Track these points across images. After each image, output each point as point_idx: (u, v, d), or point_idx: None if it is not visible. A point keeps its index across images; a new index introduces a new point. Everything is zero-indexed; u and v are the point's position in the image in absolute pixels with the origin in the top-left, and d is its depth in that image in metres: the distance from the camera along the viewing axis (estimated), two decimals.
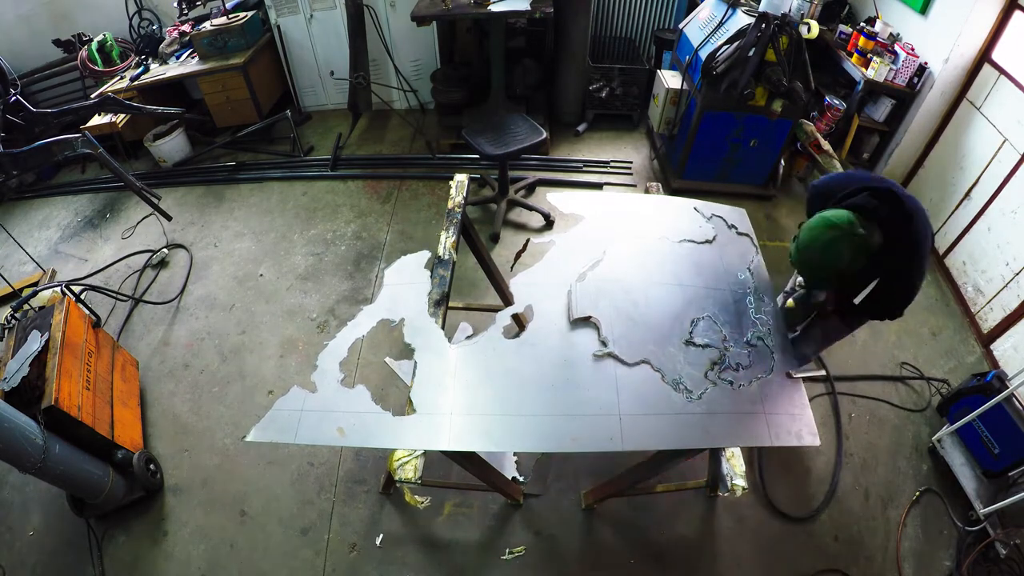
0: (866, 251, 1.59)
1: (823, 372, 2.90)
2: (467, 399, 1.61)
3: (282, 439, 1.55)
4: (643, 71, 4.47)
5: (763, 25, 3.09)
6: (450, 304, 1.99)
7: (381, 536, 2.36)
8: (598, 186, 4.08)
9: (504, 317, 1.85)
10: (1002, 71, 3.07)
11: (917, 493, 2.50)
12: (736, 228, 2.19)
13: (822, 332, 2.25)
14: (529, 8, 3.60)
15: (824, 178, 1.99)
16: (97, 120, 4.19)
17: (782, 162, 3.83)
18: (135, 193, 3.54)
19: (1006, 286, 2.95)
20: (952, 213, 3.42)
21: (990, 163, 3.14)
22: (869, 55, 3.56)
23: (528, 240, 2.46)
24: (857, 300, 1.92)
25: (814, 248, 1.59)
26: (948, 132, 3.51)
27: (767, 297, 1.96)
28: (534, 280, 1.92)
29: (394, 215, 3.89)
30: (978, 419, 2.40)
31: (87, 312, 2.66)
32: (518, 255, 2.44)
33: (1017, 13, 2.98)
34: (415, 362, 1.68)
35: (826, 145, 3.75)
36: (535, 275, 1.94)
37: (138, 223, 3.95)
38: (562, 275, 1.92)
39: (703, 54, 3.44)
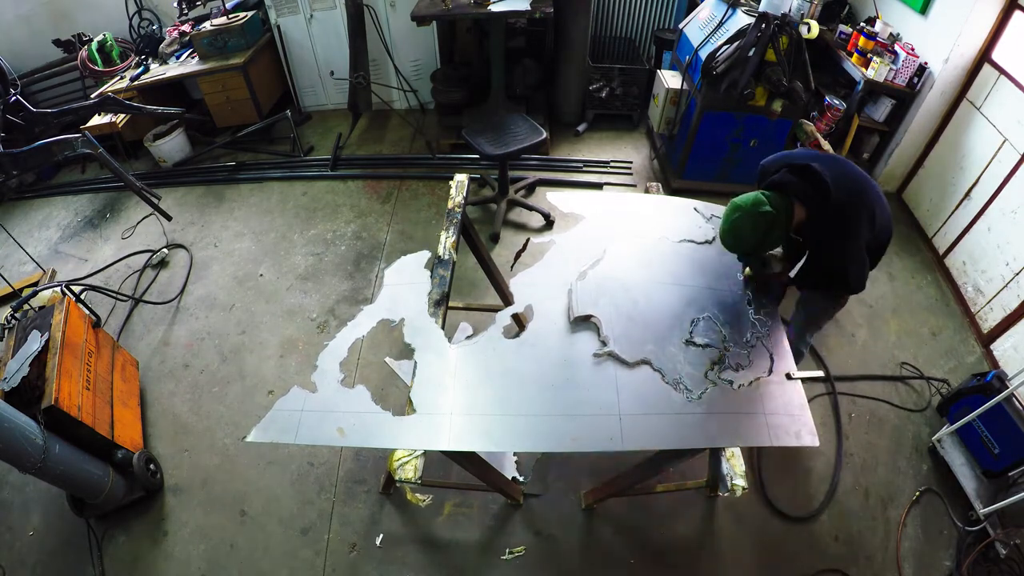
0: (779, 226, 1.76)
1: (822, 372, 2.90)
2: (467, 399, 1.61)
3: (282, 439, 1.55)
4: (643, 71, 4.47)
5: (763, 25, 3.09)
6: (450, 304, 1.99)
7: (381, 536, 2.36)
8: (598, 186, 4.08)
9: (504, 317, 1.85)
10: (1002, 71, 3.07)
11: (917, 493, 2.50)
12: None
13: (805, 318, 2.28)
14: (529, 8, 3.60)
15: (769, 157, 2.07)
16: (97, 120, 4.19)
17: None
18: (135, 193, 3.54)
19: (1006, 286, 2.95)
20: (952, 213, 3.42)
21: (990, 163, 3.14)
22: (869, 55, 3.56)
23: (528, 240, 2.46)
24: (792, 273, 2.07)
25: (724, 229, 1.81)
26: (948, 132, 3.51)
27: (766, 298, 1.96)
28: (534, 280, 1.92)
29: (394, 215, 3.89)
30: (978, 419, 2.40)
31: (87, 312, 2.66)
32: (518, 255, 2.44)
33: (1017, 13, 2.98)
34: (415, 362, 1.68)
35: (826, 145, 3.74)
36: (535, 275, 1.94)
37: (138, 223, 3.95)
38: (562, 275, 1.92)
39: (703, 54, 3.43)
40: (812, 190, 1.77)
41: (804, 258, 2.02)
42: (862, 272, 1.91)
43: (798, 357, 2.42)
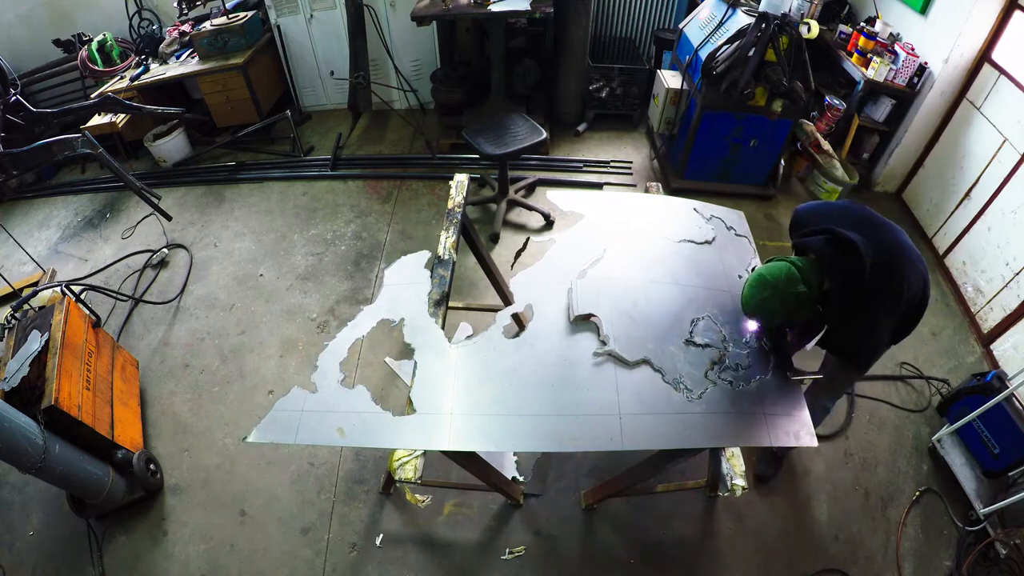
0: (810, 304, 1.63)
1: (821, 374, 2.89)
2: (467, 399, 1.61)
3: (282, 440, 1.55)
4: (643, 71, 4.47)
5: (763, 25, 3.09)
6: (450, 304, 1.98)
7: (381, 536, 2.36)
8: (598, 186, 4.08)
9: (504, 317, 1.85)
10: (1002, 71, 3.07)
11: (917, 493, 2.50)
12: (735, 230, 2.19)
13: (823, 381, 2.21)
14: (529, 8, 3.60)
15: (808, 205, 1.93)
16: (97, 120, 4.19)
17: (782, 162, 3.83)
18: (135, 193, 3.54)
19: (1006, 286, 2.95)
20: (952, 213, 3.42)
21: (990, 163, 3.14)
22: (869, 55, 3.56)
23: (528, 239, 2.46)
24: (808, 347, 1.98)
25: (751, 304, 1.68)
26: (948, 132, 3.51)
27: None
28: (534, 280, 1.92)
29: (394, 215, 3.89)
30: (978, 419, 2.40)
31: (87, 312, 2.66)
32: (518, 255, 2.44)
33: (1017, 13, 2.98)
34: (415, 362, 1.68)
35: (826, 145, 3.75)
36: (535, 274, 1.94)
37: (138, 223, 3.95)
38: (562, 274, 1.92)
39: (703, 54, 3.43)
40: (846, 268, 1.59)
41: (818, 337, 1.90)
42: (873, 355, 1.82)
43: (816, 418, 1.94)
